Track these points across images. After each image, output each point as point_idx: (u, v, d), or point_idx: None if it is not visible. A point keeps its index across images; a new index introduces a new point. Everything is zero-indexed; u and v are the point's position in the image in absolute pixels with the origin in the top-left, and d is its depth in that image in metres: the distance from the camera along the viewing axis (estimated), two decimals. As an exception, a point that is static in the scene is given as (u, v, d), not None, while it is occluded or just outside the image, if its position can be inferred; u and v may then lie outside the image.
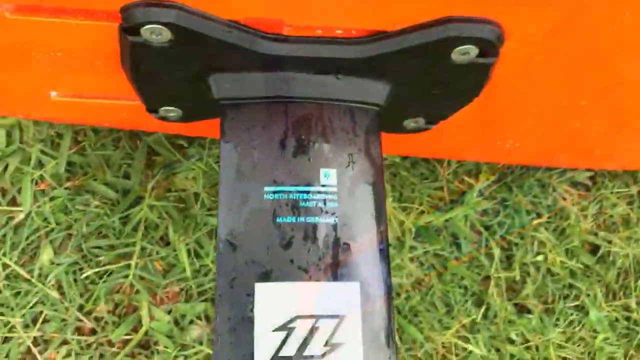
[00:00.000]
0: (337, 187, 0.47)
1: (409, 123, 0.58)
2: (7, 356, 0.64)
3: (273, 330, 0.43)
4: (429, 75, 0.48)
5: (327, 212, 0.46)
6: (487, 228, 0.86)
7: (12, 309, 0.64)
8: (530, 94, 0.55)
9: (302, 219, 0.46)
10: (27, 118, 0.70)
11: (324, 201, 0.46)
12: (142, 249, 0.70)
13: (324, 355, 0.43)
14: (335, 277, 0.45)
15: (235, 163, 0.47)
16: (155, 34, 0.41)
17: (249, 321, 0.43)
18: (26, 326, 0.64)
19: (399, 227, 0.80)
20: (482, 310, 0.82)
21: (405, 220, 0.80)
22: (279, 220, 0.46)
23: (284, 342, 0.43)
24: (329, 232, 0.46)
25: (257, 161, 0.47)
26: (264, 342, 0.42)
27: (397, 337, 0.78)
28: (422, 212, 0.82)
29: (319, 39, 0.46)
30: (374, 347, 0.44)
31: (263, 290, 0.44)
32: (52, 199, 0.69)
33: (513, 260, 0.86)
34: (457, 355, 0.79)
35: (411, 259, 0.80)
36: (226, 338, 0.43)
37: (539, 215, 0.88)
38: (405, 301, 0.78)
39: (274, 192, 0.46)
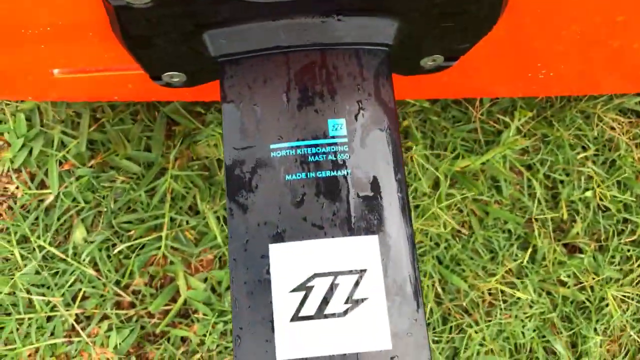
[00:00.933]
0: (347, 137, 0.44)
1: (427, 62, 0.54)
2: (52, 334, 0.65)
3: (291, 291, 0.41)
4: (437, 6, 0.44)
5: (338, 165, 0.44)
6: (528, 167, 0.81)
7: (52, 289, 0.66)
8: (558, 14, 0.50)
9: (312, 174, 0.43)
10: (37, 100, 0.69)
11: (335, 153, 0.44)
12: (172, 219, 0.70)
13: (346, 312, 0.41)
14: (352, 232, 0.42)
15: (238, 123, 0.45)
16: (136, -7, 0.39)
17: (266, 283, 0.42)
18: (67, 304, 0.66)
19: (433, 175, 0.77)
20: (529, 253, 0.78)
21: (439, 167, 0.77)
22: (288, 177, 0.43)
23: (303, 301, 0.41)
24: (342, 185, 0.43)
25: (261, 118, 0.45)
26: (283, 303, 0.41)
27: (440, 288, 0.75)
28: (457, 157, 0.77)
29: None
30: (399, 300, 0.42)
31: (278, 251, 0.42)
32: (78, 178, 0.69)
33: (559, 198, 0.81)
34: (504, 301, 0.76)
35: (448, 207, 0.77)
36: (244, 302, 0.41)
37: (584, 149, 0.82)
38: (446, 250, 0.75)
39: (281, 149, 0.44)
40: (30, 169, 0.70)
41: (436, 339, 0.73)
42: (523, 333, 0.76)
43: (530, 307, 0.77)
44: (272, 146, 0.44)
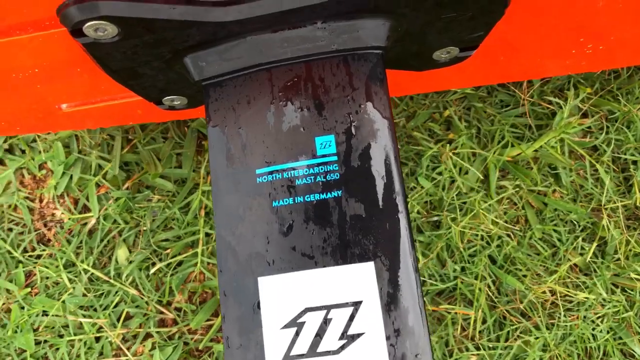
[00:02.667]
0: (337, 155, 0.41)
1: (440, 55, 0.49)
2: (101, 354, 0.68)
3: (282, 328, 0.39)
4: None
5: (328, 186, 0.40)
6: (593, 150, 0.72)
7: (97, 310, 0.68)
8: None
9: (300, 198, 0.40)
10: (57, 131, 0.72)
11: (324, 174, 0.40)
12: (207, 235, 0.69)
13: (340, 349, 0.38)
14: (344, 260, 0.39)
15: (224, 148, 0.43)
16: (100, 30, 0.38)
17: (257, 320, 0.39)
18: (112, 324, 0.68)
19: (481, 166, 0.70)
20: (596, 246, 0.69)
21: (487, 158, 0.70)
22: (275, 204, 0.41)
23: (294, 339, 0.38)
24: (333, 208, 0.40)
25: (246, 142, 0.42)
26: (274, 341, 0.38)
27: (493, 290, 0.69)
28: (506, 145, 0.70)
29: (280, -13, 0.39)
30: (400, 334, 0.38)
31: (267, 284, 0.39)
32: (116, 200, 0.71)
33: (631, 182, 0.71)
34: (569, 301, 0.69)
35: (499, 201, 0.70)
36: (235, 341, 0.39)
37: (660, 123, 0.71)
38: (499, 249, 0.69)
39: (267, 174, 0.41)
40: (73, 194, 0.73)
41: (491, 346, 0.67)
42: (594, 336, 0.69)
43: (603, 306, 0.69)
44: (258, 171, 0.41)
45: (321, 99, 0.42)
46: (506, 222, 0.70)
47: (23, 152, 0.73)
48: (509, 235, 0.70)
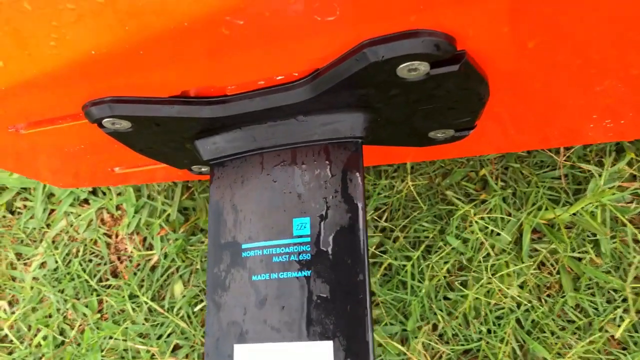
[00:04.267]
0: (310, 237, 0.45)
1: (436, 135, 0.51)
2: (152, 378, 0.77)
3: (250, 394, 0.43)
4: (400, 97, 0.42)
5: (300, 265, 0.44)
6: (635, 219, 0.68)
7: (152, 339, 0.77)
8: (587, 64, 0.43)
9: (275, 275, 0.45)
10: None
11: (298, 254, 0.45)
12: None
13: (296, 420, 0.42)
14: (306, 336, 0.43)
15: (220, 222, 0.49)
16: (116, 124, 0.46)
17: (232, 384, 0.44)
18: (163, 353, 0.76)
19: (515, 228, 0.70)
20: (637, 320, 0.66)
21: (522, 219, 0.69)
22: (254, 278, 0.46)
23: (260, 407, 0.43)
24: (301, 287, 0.44)
25: (237, 218, 0.48)
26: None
27: (519, 355, 0.68)
28: (541, 207, 0.69)
29: (262, 90, 0.44)
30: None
31: (240, 352, 0.45)
32: (175, 240, 0.80)
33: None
34: (603, 376, 0.66)
35: (531, 265, 0.69)
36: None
37: None
38: (527, 314, 0.68)
39: (251, 249, 0.46)
40: (141, 233, 0.83)
41: (513, 413, 0.66)
42: (631, 414, 0.65)
43: (644, 383, 0.65)
44: (243, 246, 0.47)
45: (302, 183, 0.46)
46: (538, 286, 0.68)
47: (104, 194, 0.85)
48: (539, 300, 0.68)
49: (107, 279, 0.82)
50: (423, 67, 0.38)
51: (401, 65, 0.37)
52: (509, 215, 0.70)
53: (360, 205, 0.44)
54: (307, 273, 0.44)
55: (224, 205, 0.49)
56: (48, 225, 0.87)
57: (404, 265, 0.71)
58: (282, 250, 0.45)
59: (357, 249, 0.44)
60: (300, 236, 0.45)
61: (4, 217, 0.89)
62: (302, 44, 0.37)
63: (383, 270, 0.72)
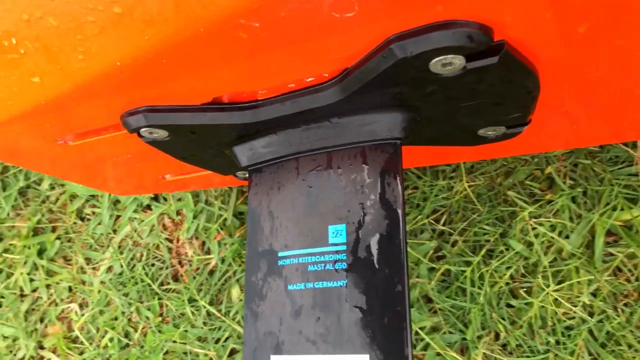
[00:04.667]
0: (346, 245, 0.43)
1: (487, 133, 0.48)
2: (211, 382, 0.78)
3: (286, 406, 0.42)
4: (438, 94, 0.39)
5: (336, 275, 0.43)
6: None
7: (209, 342, 0.78)
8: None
9: (310, 284, 0.43)
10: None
11: (333, 262, 0.43)
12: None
13: None
14: (341, 349, 0.41)
15: (257, 229, 0.48)
16: (154, 133, 0.46)
17: (269, 395, 0.43)
18: (220, 357, 0.77)
19: (586, 231, 0.64)
20: None
21: (594, 220, 0.63)
22: (290, 287, 0.44)
23: (295, 419, 0.42)
24: (338, 297, 0.42)
25: (274, 225, 0.47)
26: (279, 415, 0.42)
27: (594, 370, 0.62)
28: (616, 207, 0.63)
29: (292, 93, 0.42)
30: None
31: (277, 363, 0.43)
32: (231, 245, 0.80)
33: None
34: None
35: (605, 270, 0.63)
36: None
37: None
38: (600, 325, 0.62)
39: (287, 257, 0.45)
40: (200, 237, 0.84)
41: None
42: None
43: None
44: (279, 254, 0.46)
45: (338, 188, 0.44)
46: (613, 294, 0.62)
47: (165, 200, 0.87)
48: (615, 309, 0.62)
49: (169, 283, 0.84)
50: (458, 60, 0.35)
51: (434, 60, 0.34)
52: (579, 216, 0.64)
53: (399, 211, 0.42)
54: (343, 283, 0.42)
55: (262, 212, 0.48)
56: (114, 231, 0.90)
57: (463, 271, 0.67)
58: (318, 258, 0.44)
59: (396, 258, 0.41)
60: (336, 244, 0.43)
61: (74, 223, 0.93)
62: (325, 44, 0.35)
63: (441, 276, 0.69)
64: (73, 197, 0.94)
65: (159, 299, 0.83)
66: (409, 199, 0.72)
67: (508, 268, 0.66)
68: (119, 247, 0.89)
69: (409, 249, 0.68)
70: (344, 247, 0.43)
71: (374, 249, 0.42)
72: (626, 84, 0.41)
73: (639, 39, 0.35)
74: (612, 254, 0.63)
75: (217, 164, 0.55)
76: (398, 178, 0.43)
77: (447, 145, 0.50)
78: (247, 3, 0.31)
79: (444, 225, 0.70)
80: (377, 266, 0.41)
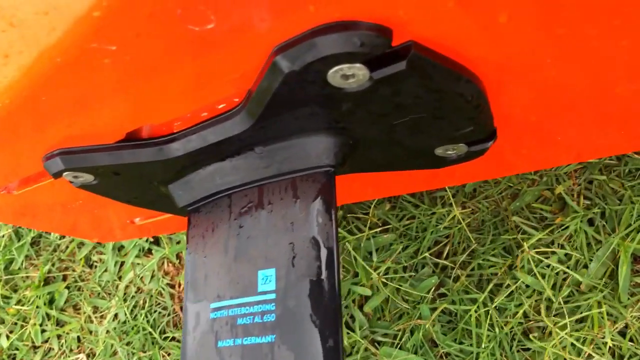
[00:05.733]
0: (275, 292, 0.37)
1: (446, 153, 0.41)
2: None
3: None
4: (358, 112, 0.34)
5: (264, 329, 0.37)
6: None
7: None
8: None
9: (239, 340, 0.38)
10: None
11: (262, 314, 0.37)
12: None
13: None
14: (269, 417, 0.35)
15: (192, 278, 0.43)
16: (78, 177, 0.42)
17: None
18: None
19: (607, 257, 0.54)
20: None
21: (615, 244, 0.54)
22: (220, 344, 0.39)
23: None
24: (266, 354, 0.36)
25: (207, 272, 0.42)
26: None
27: None
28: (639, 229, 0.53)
29: (205, 122, 0.38)
30: None
31: None
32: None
33: None
34: None
35: (634, 304, 0.53)
36: None
37: None
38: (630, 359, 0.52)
39: (217, 309, 0.40)
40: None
41: None
42: None
43: None
44: (211, 305, 0.40)
45: (268, 227, 0.39)
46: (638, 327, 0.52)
47: (170, 240, 0.84)
48: (649, 351, 0.52)
49: (171, 331, 0.80)
50: (359, 70, 0.29)
51: (329, 72, 0.29)
52: (598, 242, 0.55)
53: (330, 250, 0.36)
54: (271, 338, 0.36)
55: (197, 258, 0.43)
56: (120, 277, 0.88)
57: (468, 310, 0.59)
58: (247, 310, 0.38)
59: (326, 307, 0.35)
60: (265, 292, 0.37)
61: (83, 271, 0.92)
62: (206, 63, 0.31)
63: (444, 315, 0.61)
64: (81, 244, 0.93)
65: (160, 348, 0.79)
66: (406, 232, 0.64)
67: (518, 305, 0.57)
68: (124, 294, 0.86)
69: (408, 288, 0.61)
70: (273, 296, 0.37)
71: (304, 297, 0.36)
72: (599, 81, 0.34)
73: (586, 20, 0.28)
74: (638, 284, 0.53)
75: (166, 205, 0.51)
76: (332, 212, 0.37)
77: (404, 169, 0.44)
78: (91, 24, 0.27)
79: (446, 258, 0.62)
80: (305, 318, 0.35)
